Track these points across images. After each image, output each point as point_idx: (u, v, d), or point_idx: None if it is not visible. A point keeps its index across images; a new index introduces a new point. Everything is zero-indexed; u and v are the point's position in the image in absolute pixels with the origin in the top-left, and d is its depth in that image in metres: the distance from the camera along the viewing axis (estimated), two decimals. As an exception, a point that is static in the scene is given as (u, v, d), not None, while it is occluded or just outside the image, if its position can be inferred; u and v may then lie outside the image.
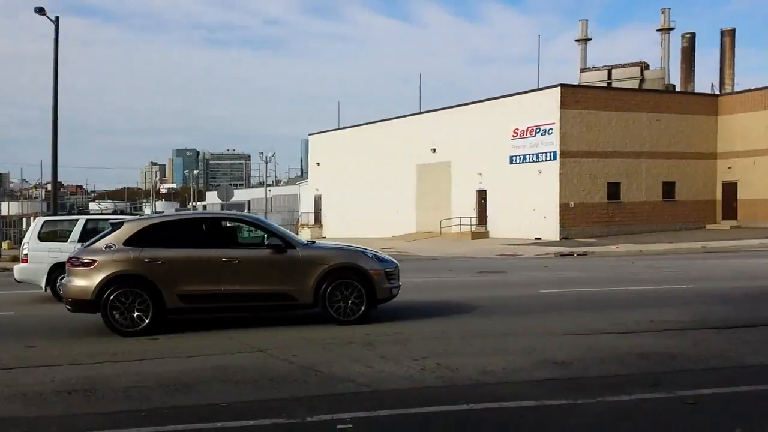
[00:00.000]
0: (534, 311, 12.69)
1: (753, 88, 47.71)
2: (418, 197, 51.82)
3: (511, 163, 44.39)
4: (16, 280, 16.42)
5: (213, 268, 10.96)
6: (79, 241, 15.19)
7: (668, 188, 44.98)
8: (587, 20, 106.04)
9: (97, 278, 10.67)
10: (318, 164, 64.25)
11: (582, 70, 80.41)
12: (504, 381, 7.50)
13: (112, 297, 10.63)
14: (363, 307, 11.30)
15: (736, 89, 70.49)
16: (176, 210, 78.45)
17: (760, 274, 19.55)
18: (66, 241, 15.78)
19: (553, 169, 41.74)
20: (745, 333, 10.17)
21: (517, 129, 43.88)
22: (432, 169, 50.50)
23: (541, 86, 45.77)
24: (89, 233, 15.25)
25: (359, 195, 55.93)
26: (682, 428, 5.90)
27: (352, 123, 63.17)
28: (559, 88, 42.23)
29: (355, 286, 11.29)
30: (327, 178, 62.04)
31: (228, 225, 11.86)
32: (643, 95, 47.92)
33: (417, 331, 10.70)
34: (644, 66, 71.61)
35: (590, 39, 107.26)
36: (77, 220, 16.39)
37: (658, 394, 6.86)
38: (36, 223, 16.37)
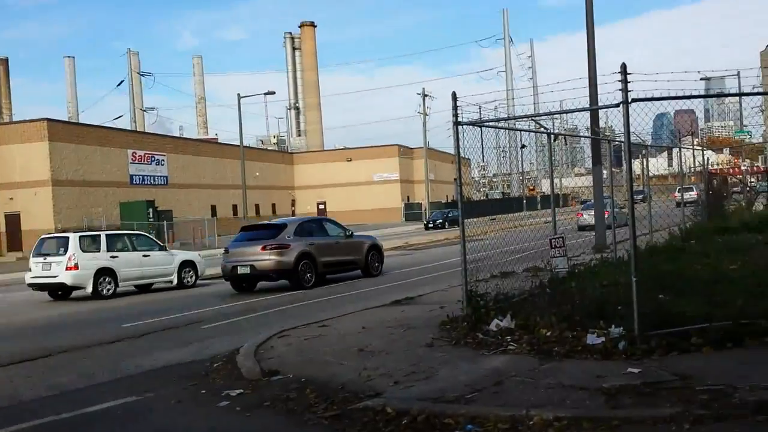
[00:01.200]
0: None
1: (30, 119, 48.20)
2: None
3: None
4: (66, 284, 19.34)
5: (333, 248, 19.04)
6: (107, 250, 19.88)
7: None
8: None
9: (293, 255, 17.73)
10: None
11: None
12: None
13: (300, 265, 17.80)
14: (381, 266, 20.47)
15: (15, 119, 70.17)
16: None
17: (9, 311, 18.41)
18: (99, 252, 19.77)
19: None
20: (23, 368, 10.02)
21: None
22: None
23: None
24: (111, 244, 20.17)
25: None
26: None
27: None
28: None
29: (377, 256, 20.22)
30: None
31: (327, 224, 20.51)
32: None
33: None
34: None
35: None
36: (99, 235, 20.59)
37: None
38: (74, 238, 19.50)
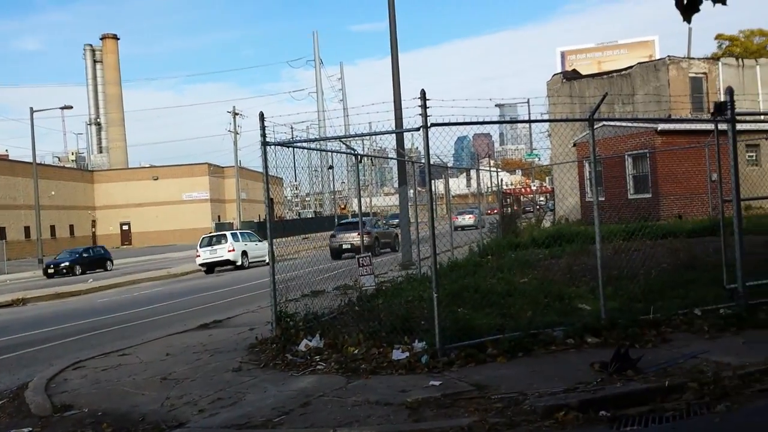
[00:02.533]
0: None
1: None
2: None
3: None
4: (228, 260, 30.35)
5: (384, 234, 31.71)
6: (242, 241, 31.70)
7: None
8: None
9: (373, 238, 29.03)
10: None
11: None
12: None
13: (375, 243, 29.13)
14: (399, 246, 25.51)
15: None
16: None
17: None
18: (240, 241, 31.35)
19: None
20: None
21: None
22: None
23: None
24: (242, 237, 32.24)
25: None
26: None
27: None
28: None
29: (397, 240, 28.50)
30: None
31: (380, 221, 35.30)
32: None
33: None
34: None
35: None
36: (237, 232, 33.09)
37: None
38: (229, 234, 31.61)
